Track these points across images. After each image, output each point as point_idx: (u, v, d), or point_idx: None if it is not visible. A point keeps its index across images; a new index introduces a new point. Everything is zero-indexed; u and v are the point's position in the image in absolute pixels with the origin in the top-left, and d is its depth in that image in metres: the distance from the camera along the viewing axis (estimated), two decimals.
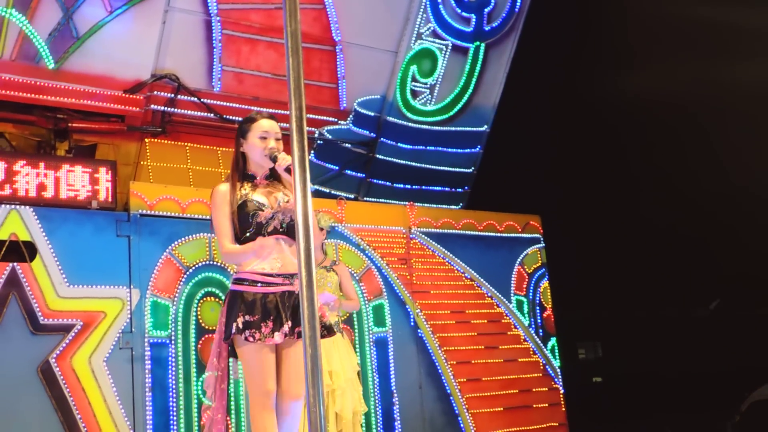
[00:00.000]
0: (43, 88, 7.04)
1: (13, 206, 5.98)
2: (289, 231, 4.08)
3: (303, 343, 2.95)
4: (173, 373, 6.30)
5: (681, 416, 9.05)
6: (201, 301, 6.57)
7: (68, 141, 7.32)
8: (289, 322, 3.96)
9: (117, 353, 6.13)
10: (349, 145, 8.78)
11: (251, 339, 3.93)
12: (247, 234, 4.05)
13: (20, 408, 5.72)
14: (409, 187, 9.14)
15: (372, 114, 8.84)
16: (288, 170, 4.00)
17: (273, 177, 4.23)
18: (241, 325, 3.94)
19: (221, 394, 4.12)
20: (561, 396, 8.59)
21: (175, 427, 6.23)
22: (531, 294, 8.72)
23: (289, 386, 4.04)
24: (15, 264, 5.88)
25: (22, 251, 5.93)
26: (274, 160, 4.09)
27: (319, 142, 8.56)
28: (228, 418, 4.01)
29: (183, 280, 6.53)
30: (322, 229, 5.66)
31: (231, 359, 4.15)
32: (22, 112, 7.14)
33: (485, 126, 9.59)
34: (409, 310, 7.70)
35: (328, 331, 4.29)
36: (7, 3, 6.76)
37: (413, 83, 9.00)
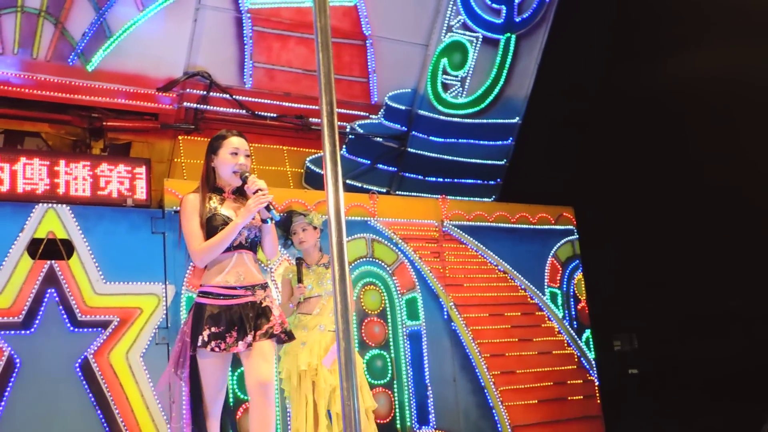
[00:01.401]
0: (77, 88, 7.13)
1: (50, 205, 6.07)
2: (251, 245, 4.39)
3: (336, 336, 2.96)
4: None
5: (719, 408, 8.96)
6: None
7: (103, 140, 7.42)
8: (253, 332, 4.22)
9: (153, 349, 6.19)
10: (381, 139, 8.79)
11: (217, 349, 4.18)
12: None
13: (60, 403, 5.80)
14: (441, 180, 9.13)
15: (403, 108, 8.84)
16: (255, 194, 4.24)
17: (240, 193, 4.45)
18: (206, 338, 4.18)
19: (186, 402, 4.37)
20: (596, 388, 8.54)
21: None
22: (565, 286, 8.67)
23: (258, 371, 4.23)
24: (53, 262, 5.96)
25: (59, 249, 6.02)
26: (244, 180, 4.32)
27: (350, 136, 8.58)
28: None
29: None
30: (315, 228, 5.66)
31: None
32: (57, 111, 7.24)
33: (517, 118, 9.55)
34: (442, 303, 7.70)
35: (288, 336, 4.47)
36: (42, 5, 6.85)
37: (444, 76, 8.98)
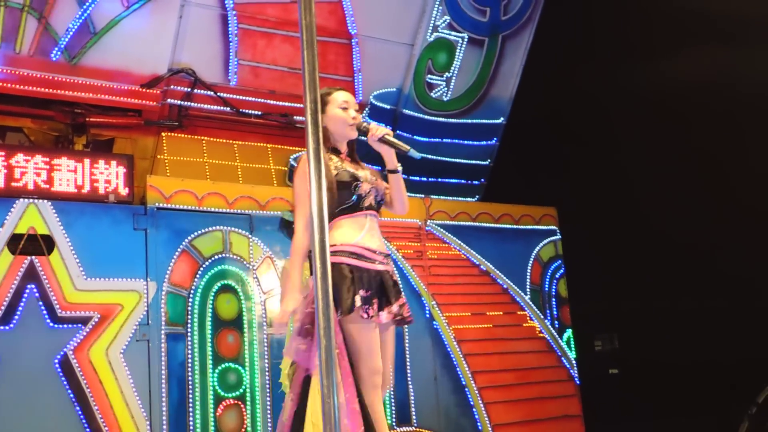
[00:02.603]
0: (60, 83, 7.09)
1: (31, 200, 6.04)
2: (378, 208, 4.06)
3: (317, 335, 2.97)
4: (189, 365, 6.35)
5: (698, 408, 9.01)
6: (217, 293, 6.61)
7: (86, 135, 7.37)
8: (397, 303, 3.84)
9: (134, 345, 6.18)
10: (364, 138, 8.78)
11: (365, 315, 3.75)
12: (345, 205, 3.93)
13: (39, 400, 5.78)
14: (425, 179, 9.14)
15: (388, 107, 8.84)
16: (384, 140, 3.94)
17: (351, 156, 4.19)
18: (360, 301, 3.75)
19: (346, 373, 3.79)
20: (577, 387, 8.59)
21: (191, 419, 6.28)
22: (547, 286, 8.71)
23: (386, 362, 3.90)
24: (33, 257, 5.94)
25: (40, 245, 5.99)
26: (364, 131, 4.01)
27: None
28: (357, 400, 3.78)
29: (199, 272, 6.57)
30: None
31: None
32: (40, 107, 7.19)
33: (502, 118, 9.57)
34: (424, 302, 7.72)
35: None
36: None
37: (429, 76, 8.99)
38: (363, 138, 4.17)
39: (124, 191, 6.50)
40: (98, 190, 6.41)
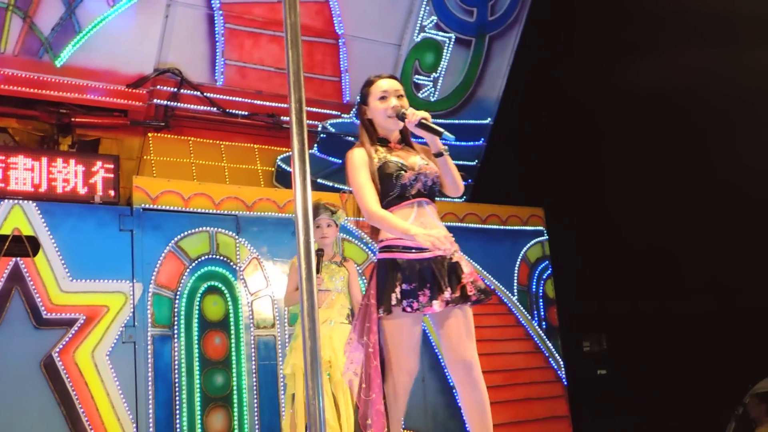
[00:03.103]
0: (45, 83, 7.05)
1: (16, 201, 5.99)
2: (430, 194, 3.88)
3: (303, 336, 2.95)
4: (176, 367, 6.31)
5: (686, 408, 9.05)
6: (204, 295, 6.58)
7: (71, 136, 7.34)
8: (449, 289, 3.66)
9: (120, 347, 6.14)
10: (353, 139, 8.77)
11: (409, 309, 3.63)
12: (390, 196, 3.81)
13: (23, 402, 5.73)
14: None
15: None
16: (421, 125, 3.82)
17: (404, 142, 4.02)
18: (399, 296, 3.64)
19: (375, 373, 3.72)
20: (564, 389, 8.58)
21: (178, 421, 6.24)
22: (534, 287, 8.70)
23: (460, 349, 3.72)
24: (18, 259, 5.89)
25: (25, 246, 5.94)
26: (402, 117, 3.87)
27: (322, 135, 8.56)
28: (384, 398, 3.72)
29: (186, 274, 6.53)
30: (337, 225, 5.70)
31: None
32: (25, 107, 7.16)
33: (489, 118, 9.57)
34: None
35: (485, 294, 3.82)
36: None
37: (416, 76, 8.99)
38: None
39: (110, 192, 6.46)
40: (84, 190, 6.36)
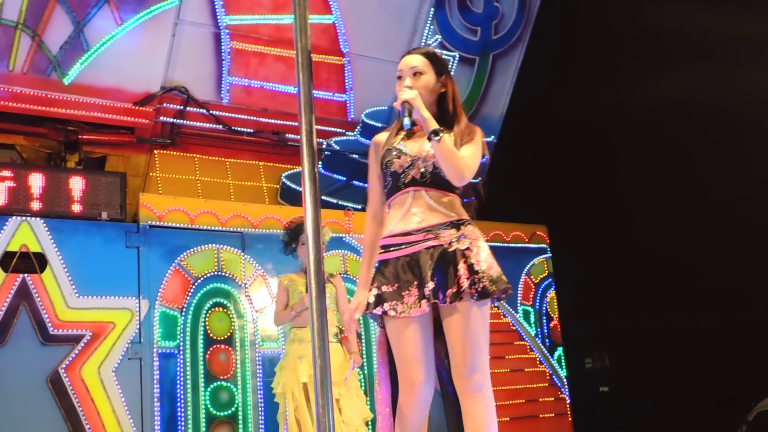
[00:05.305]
0: (53, 101, 7.11)
1: (23, 218, 6.04)
2: (433, 180, 3.45)
3: (313, 354, 2.97)
4: (181, 383, 6.34)
5: (689, 425, 9.03)
6: (209, 311, 6.61)
7: (78, 153, 7.38)
8: (433, 282, 3.27)
9: (126, 363, 6.17)
10: (357, 156, 8.82)
11: (393, 313, 3.28)
12: (387, 186, 3.50)
13: (30, 418, 5.76)
14: None
15: (380, 125, 8.87)
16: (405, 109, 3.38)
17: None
18: (372, 299, 3.33)
19: (385, 387, 3.51)
20: (567, 406, 8.59)
21: None
22: (538, 304, 8.73)
23: (461, 357, 3.43)
24: (25, 275, 5.93)
25: (32, 262, 5.99)
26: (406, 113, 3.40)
27: (326, 153, 8.61)
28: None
29: (191, 290, 6.57)
30: (324, 243, 5.73)
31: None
32: (32, 124, 7.21)
33: (492, 136, 9.62)
34: None
35: (495, 285, 3.56)
36: (19, 17, 6.83)
37: None
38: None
39: (116, 209, 6.50)
40: (91, 208, 6.40)
